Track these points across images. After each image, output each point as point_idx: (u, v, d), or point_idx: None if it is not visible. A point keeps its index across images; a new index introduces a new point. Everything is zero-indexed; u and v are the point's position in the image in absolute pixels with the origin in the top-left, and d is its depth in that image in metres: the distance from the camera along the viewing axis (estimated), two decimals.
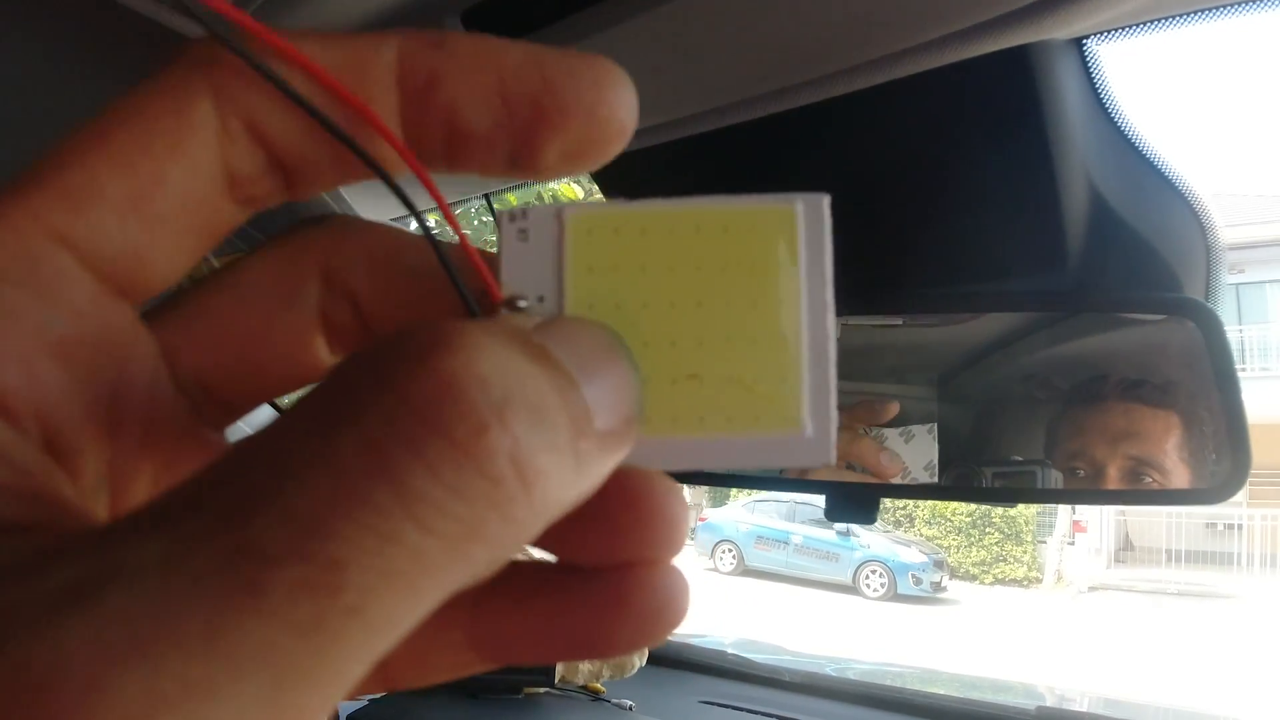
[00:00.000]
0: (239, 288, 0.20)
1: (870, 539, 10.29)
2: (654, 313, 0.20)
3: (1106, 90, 0.59)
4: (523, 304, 0.20)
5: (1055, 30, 0.47)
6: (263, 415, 0.85)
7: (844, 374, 0.80)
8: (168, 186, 0.17)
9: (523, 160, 0.19)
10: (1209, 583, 11.08)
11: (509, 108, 0.18)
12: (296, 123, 0.17)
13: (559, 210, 0.20)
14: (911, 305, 0.71)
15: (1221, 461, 0.61)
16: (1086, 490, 0.68)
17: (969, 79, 0.50)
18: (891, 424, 0.73)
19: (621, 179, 0.69)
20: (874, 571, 10.23)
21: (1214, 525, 12.13)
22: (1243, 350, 11.77)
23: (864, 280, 0.70)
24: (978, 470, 0.71)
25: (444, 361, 0.14)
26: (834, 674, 1.66)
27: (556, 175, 0.19)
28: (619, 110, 0.18)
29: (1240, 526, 11.84)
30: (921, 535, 12.36)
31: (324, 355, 0.21)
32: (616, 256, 0.20)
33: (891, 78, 0.50)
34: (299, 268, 0.20)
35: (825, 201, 0.20)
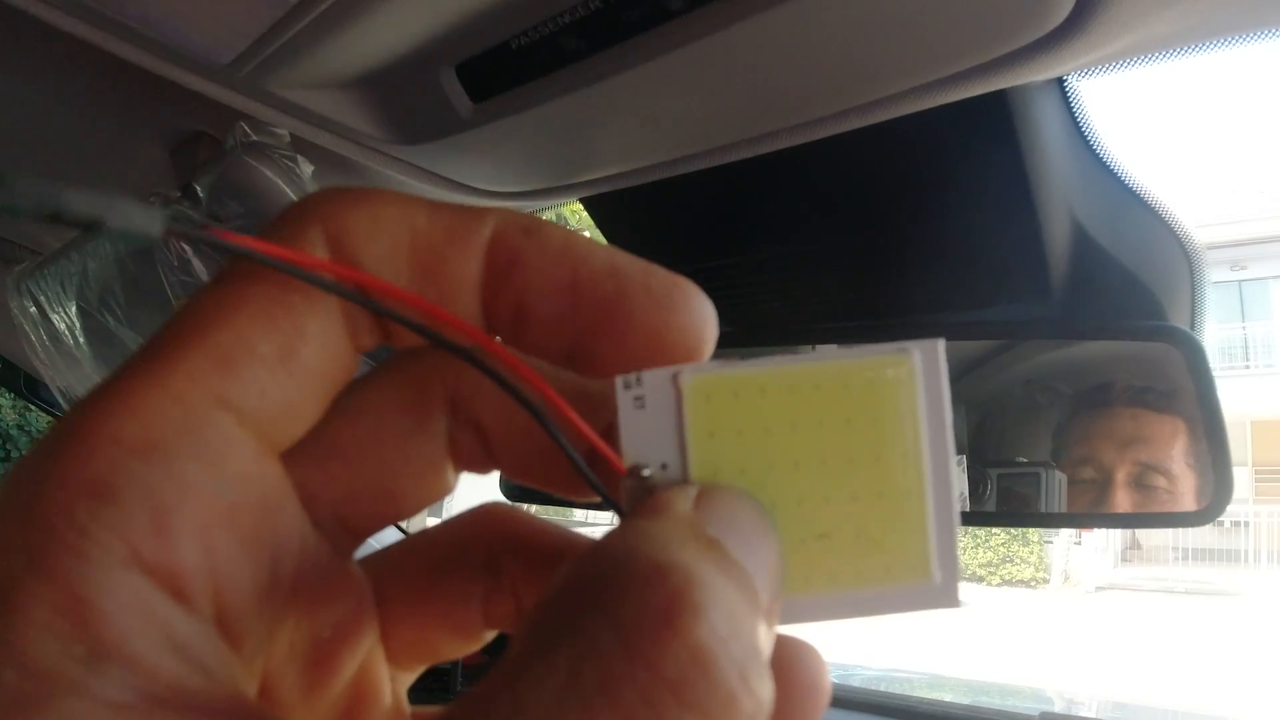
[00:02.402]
0: (369, 418, 0.20)
1: None
2: (779, 474, 0.20)
3: (1086, 121, 0.60)
4: (646, 473, 0.20)
5: (1041, 73, 0.48)
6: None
7: None
8: (308, 337, 0.17)
9: (579, 358, 0.19)
10: (1217, 580, 11.04)
11: (577, 306, 0.18)
12: (401, 282, 0.18)
13: (675, 374, 0.20)
14: (900, 333, 0.72)
15: (1207, 485, 0.62)
16: (1078, 514, 0.69)
17: (948, 115, 0.51)
18: None
19: (617, 215, 0.71)
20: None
21: (1221, 523, 12.06)
22: (1247, 347, 11.73)
23: (857, 309, 0.71)
24: (983, 472, 0.71)
25: (692, 627, 0.14)
26: (838, 681, 1.66)
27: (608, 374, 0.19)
28: (688, 335, 0.19)
29: (1248, 524, 11.79)
30: None
31: (450, 477, 0.21)
32: (738, 420, 0.20)
33: (875, 120, 0.51)
34: (427, 395, 0.20)
35: (940, 347, 0.20)
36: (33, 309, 0.98)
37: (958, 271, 0.65)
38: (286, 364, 0.17)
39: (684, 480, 0.19)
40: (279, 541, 0.18)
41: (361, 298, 0.18)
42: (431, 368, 0.20)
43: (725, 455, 0.20)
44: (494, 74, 0.50)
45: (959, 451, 0.74)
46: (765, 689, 0.15)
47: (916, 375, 0.20)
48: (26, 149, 0.79)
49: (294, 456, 0.18)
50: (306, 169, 0.67)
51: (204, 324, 0.17)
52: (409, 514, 0.21)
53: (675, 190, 0.63)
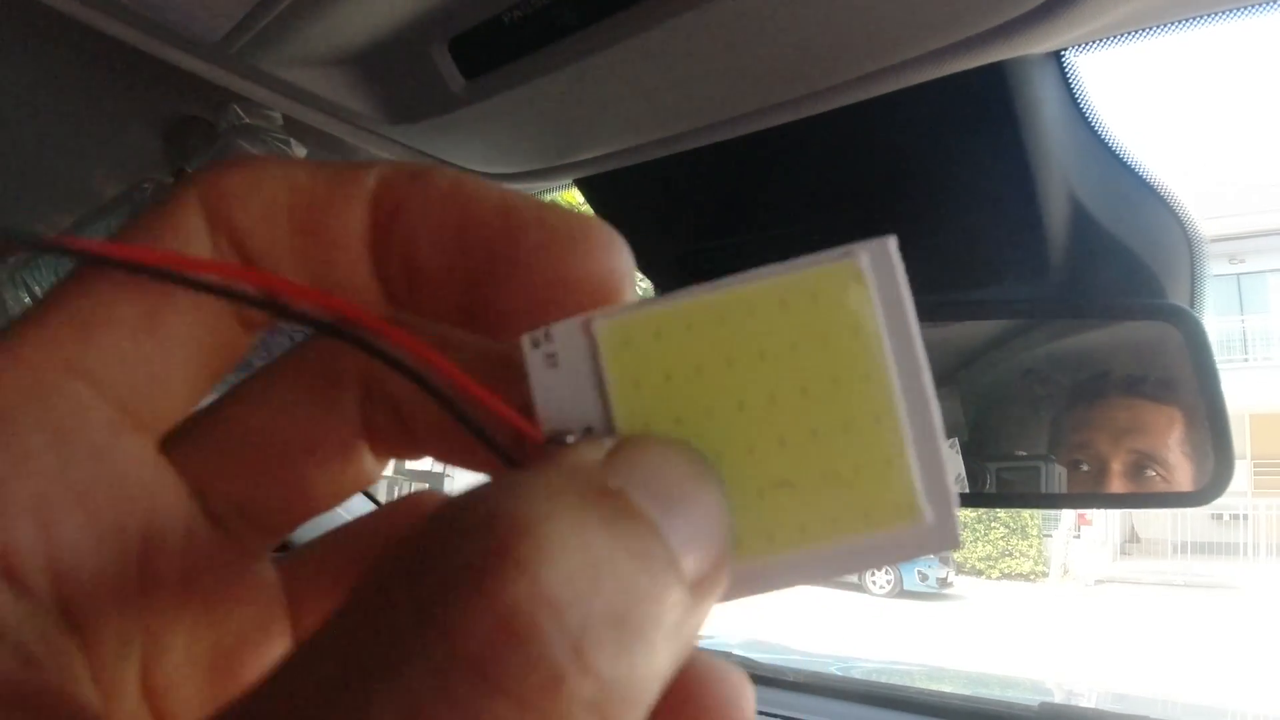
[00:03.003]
0: (271, 404, 0.18)
1: None
2: (721, 419, 0.17)
3: (1085, 100, 0.59)
4: (570, 439, 0.17)
5: (1033, 46, 0.48)
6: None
7: None
8: (177, 303, 0.16)
9: (479, 314, 0.17)
10: (1215, 573, 11.06)
11: (466, 252, 0.16)
12: (288, 251, 0.17)
13: (586, 322, 0.17)
14: None
15: (1207, 464, 0.62)
16: (1079, 494, 0.69)
17: (947, 93, 0.51)
18: None
19: (614, 195, 0.70)
20: (880, 568, 10.20)
21: (1220, 516, 12.09)
22: (1245, 340, 11.74)
23: None
24: (983, 466, 0.71)
25: (505, 587, 0.11)
26: (839, 673, 1.66)
27: (514, 335, 0.17)
28: (595, 277, 0.16)
29: (1246, 516, 11.81)
30: None
31: (369, 464, 0.19)
32: (665, 364, 0.17)
33: (872, 94, 0.51)
34: (335, 376, 0.18)
35: (891, 244, 0.17)
36: (27, 299, 0.98)
37: (957, 250, 0.65)
38: (151, 331, 0.16)
39: (629, 440, 0.17)
40: (152, 532, 0.16)
41: (227, 289, 0.16)
42: (340, 345, 0.18)
43: (656, 406, 0.17)
44: (486, 49, 0.50)
45: (953, 437, 0.73)
46: (620, 668, 0.12)
47: (867, 280, 0.17)
48: (21, 135, 0.79)
49: (186, 447, 0.17)
50: (299, 151, 0.67)
51: (66, 290, 0.15)
52: (324, 507, 0.19)
53: (670, 172, 0.63)
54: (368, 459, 0.19)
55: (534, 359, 0.17)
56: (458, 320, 0.17)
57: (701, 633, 0.16)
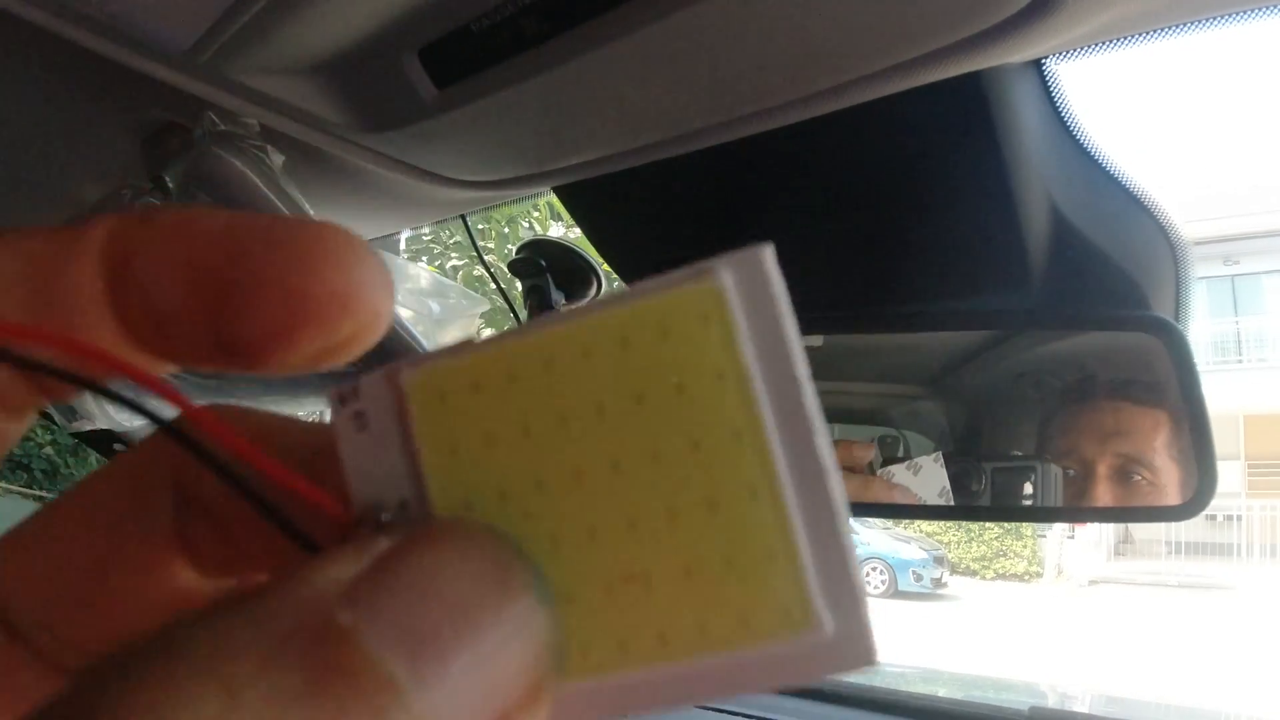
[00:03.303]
0: (79, 511, 0.17)
1: (870, 536, 10.30)
2: (555, 494, 0.14)
3: (1066, 108, 0.59)
4: (385, 517, 0.15)
5: (1012, 55, 0.47)
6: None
7: (832, 376, 0.80)
8: None
9: (228, 344, 0.15)
10: (1209, 574, 11.08)
11: (197, 285, 0.15)
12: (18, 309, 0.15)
13: (392, 373, 0.15)
14: (880, 324, 0.71)
15: (1190, 478, 0.62)
16: (1059, 508, 0.68)
17: (925, 101, 0.50)
18: (898, 456, 0.73)
19: (596, 203, 0.70)
20: (874, 568, 10.23)
21: (1214, 517, 12.12)
22: (1239, 341, 11.77)
23: (833, 299, 0.70)
24: (978, 466, 0.71)
25: None
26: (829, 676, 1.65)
27: (289, 365, 0.15)
28: (337, 286, 0.14)
29: (1240, 518, 11.84)
30: (921, 531, 12.36)
31: (188, 579, 0.17)
32: (485, 422, 0.14)
33: (848, 104, 0.50)
34: (148, 482, 0.17)
35: (765, 255, 0.13)
36: None
37: (936, 261, 0.64)
38: None
39: (404, 543, 0.13)
40: None
41: None
42: (155, 449, 0.17)
43: (475, 476, 0.14)
44: (456, 58, 0.49)
45: (943, 445, 0.73)
46: None
47: (730, 305, 0.13)
48: (1, 142, 0.78)
49: None
50: (277, 159, 0.66)
51: None
52: (139, 625, 0.17)
53: (652, 180, 0.62)
54: (186, 574, 0.17)
55: (342, 420, 0.15)
56: (216, 359, 0.15)
57: None
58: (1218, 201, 11.59)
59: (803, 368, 0.13)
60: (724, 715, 1.39)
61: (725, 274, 0.13)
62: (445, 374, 0.14)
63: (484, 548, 0.13)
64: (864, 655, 0.13)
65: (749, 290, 0.13)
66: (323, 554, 0.13)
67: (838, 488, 0.13)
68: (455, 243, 7.32)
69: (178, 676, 0.10)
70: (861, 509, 0.75)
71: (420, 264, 0.83)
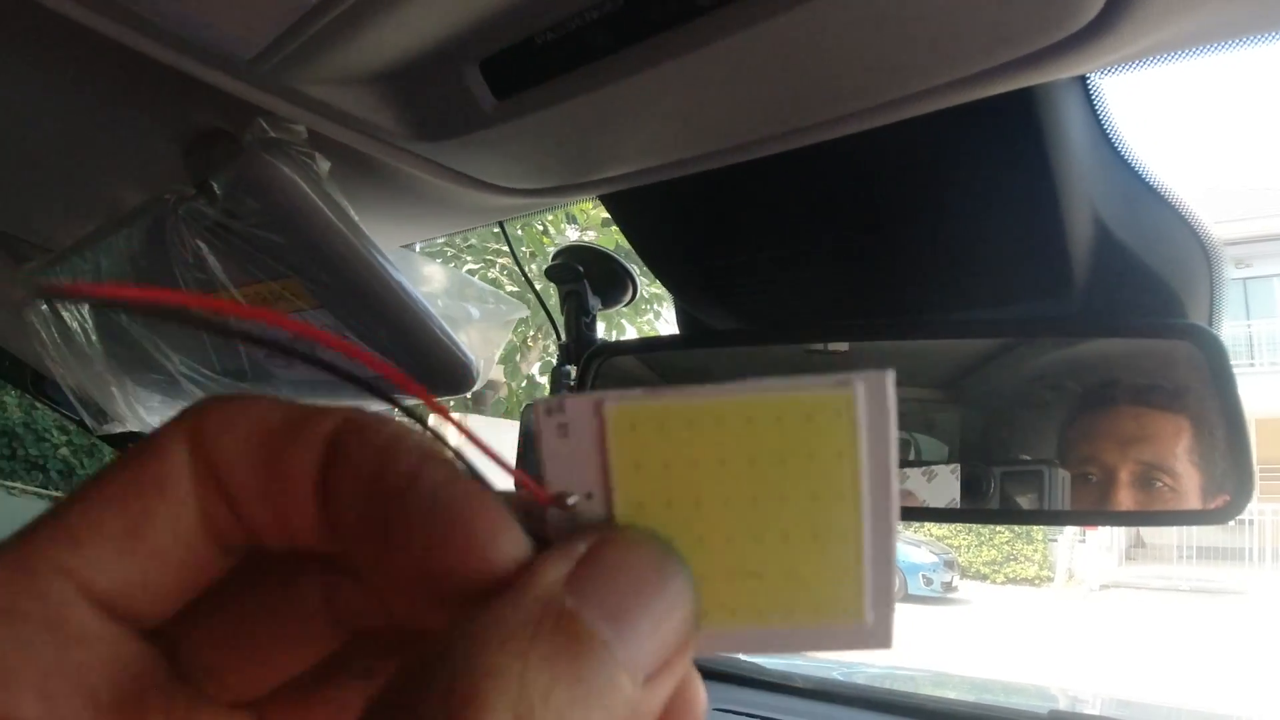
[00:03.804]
0: (250, 591, 0.21)
1: None
2: (708, 510, 0.19)
3: (1109, 120, 0.60)
4: (572, 500, 0.19)
5: (1060, 73, 0.48)
6: None
7: None
8: (156, 523, 0.19)
9: (377, 565, 0.19)
10: (1221, 579, 11.02)
11: (372, 511, 0.19)
12: (255, 483, 0.19)
13: (598, 403, 0.19)
14: (920, 331, 0.72)
15: (1227, 480, 0.62)
16: (1089, 511, 0.69)
17: (974, 114, 0.51)
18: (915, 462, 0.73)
19: (640, 211, 0.71)
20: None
21: None
22: (1251, 345, 11.71)
23: (874, 307, 0.71)
24: (986, 470, 0.71)
25: None
26: (843, 679, 1.66)
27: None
28: (472, 568, 0.18)
29: (1252, 522, 11.78)
30: (932, 535, 12.32)
31: (332, 633, 0.22)
32: (664, 452, 0.19)
33: (899, 118, 0.51)
34: (306, 572, 0.21)
35: (889, 379, 0.19)
36: (44, 306, 0.98)
37: (980, 269, 0.65)
38: (133, 544, 0.18)
39: (608, 514, 0.19)
40: (132, 702, 0.19)
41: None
42: (309, 569, 0.21)
43: (650, 488, 0.19)
44: (518, 70, 0.50)
45: (953, 456, 0.74)
46: None
47: (858, 411, 0.19)
48: (44, 145, 0.79)
49: (173, 624, 0.20)
50: (324, 165, 0.67)
51: (65, 506, 0.19)
52: (291, 673, 0.22)
53: (695, 186, 0.63)
54: (328, 629, 0.22)
55: (547, 425, 0.19)
56: (373, 563, 0.19)
57: None
58: (1229, 203, 11.54)
59: (894, 458, 0.19)
60: (735, 716, 1.39)
61: (860, 387, 0.19)
62: (639, 412, 0.19)
63: (650, 547, 0.19)
64: (885, 642, 0.19)
65: (872, 399, 0.19)
66: (543, 557, 0.18)
67: (895, 542, 0.19)
68: (469, 246, 7.33)
69: (490, 648, 0.15)
70: None
71: (451, 268, 0.83)
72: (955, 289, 0.68)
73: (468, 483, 0.18)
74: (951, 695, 1.53)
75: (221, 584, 0.20)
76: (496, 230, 0.86)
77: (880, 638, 0.19)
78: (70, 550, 0.18)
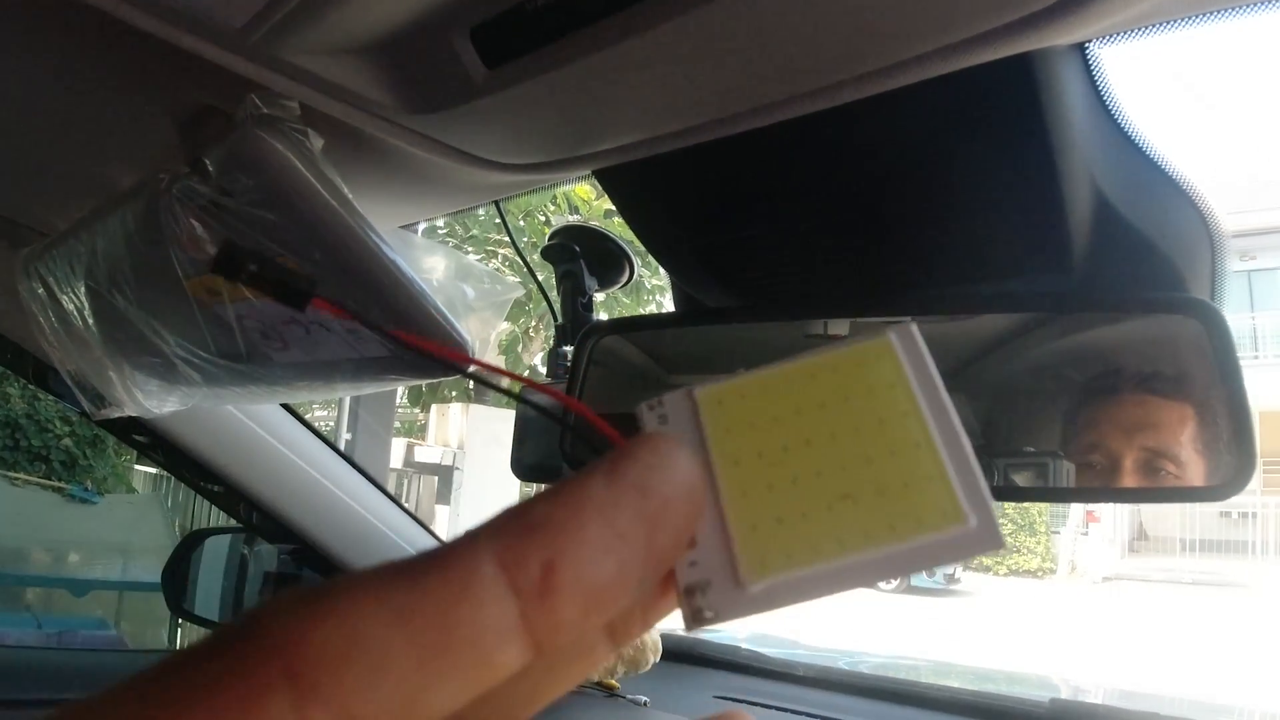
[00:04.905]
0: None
1: None
2: (794, 454, 0.22)
3: (1109, 91, 0.59)
4: None
5: (1058, 38, 0.47)
6: None
7: None
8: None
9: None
10: (1224, 571, 11.03)
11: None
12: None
13: (689, 391, 0.23)
14: (918, 306, 0.71)
15: (1230, 457, 0.61)
16: (1092, 489, 0.68)
17: (972, 83, 0.51)
18: None
19: (633, 187, 0.70)
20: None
21: (1228, 514, 12.06)
22: (1256, 337, 11.69)
23: (872, 282, 0.71)
24: (990, 462, 0.71)
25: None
26: (847, 667, 1.65)
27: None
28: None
29: (1255, 515, 11.78)
30: None
31: None
32: (748, 415, 0.22)
33: (896, 86, 0.50)
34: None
35: (913, 327, 0.23)
36: (41, 291, 0.97)
37: (979, 242, 0.64)
38: None
39: (710, 472, 0.22)
40: None
41: None
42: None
43: (742, 445, 0.22)
44: (509, 37, 0.50)
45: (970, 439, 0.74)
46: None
47: (895, 348, 0.22)
48: (36, 125, 0.79)
49: None
50: (317, 142, 0.67)
51: None
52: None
53: (690, 163, 0.63)
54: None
55: (649, 418, 0.23)
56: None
57: (711, 629, 0.19)
58: (1233, 195, 11.51)
59: (938, 379, 0.22)
60: (746, 705, 1.39)
61: (892, 333, 0.23)
62: (723, 390, 0.23)
63: (672, 441, 0.21)
64: (995, 540, 0.20)
65: (904, 341, 0.23)
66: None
67: (968, 444, 0.21)
68: (470, 236, 7.33)
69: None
70: None
71: (448, 247, 0.83)
72: (954, 263, 0.67)
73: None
74: (954, 684, 1.53)
75: None
76: (498, 221, 0.85)
77: (989, 538, 0.20)
78: None
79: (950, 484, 0.21)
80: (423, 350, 0.29)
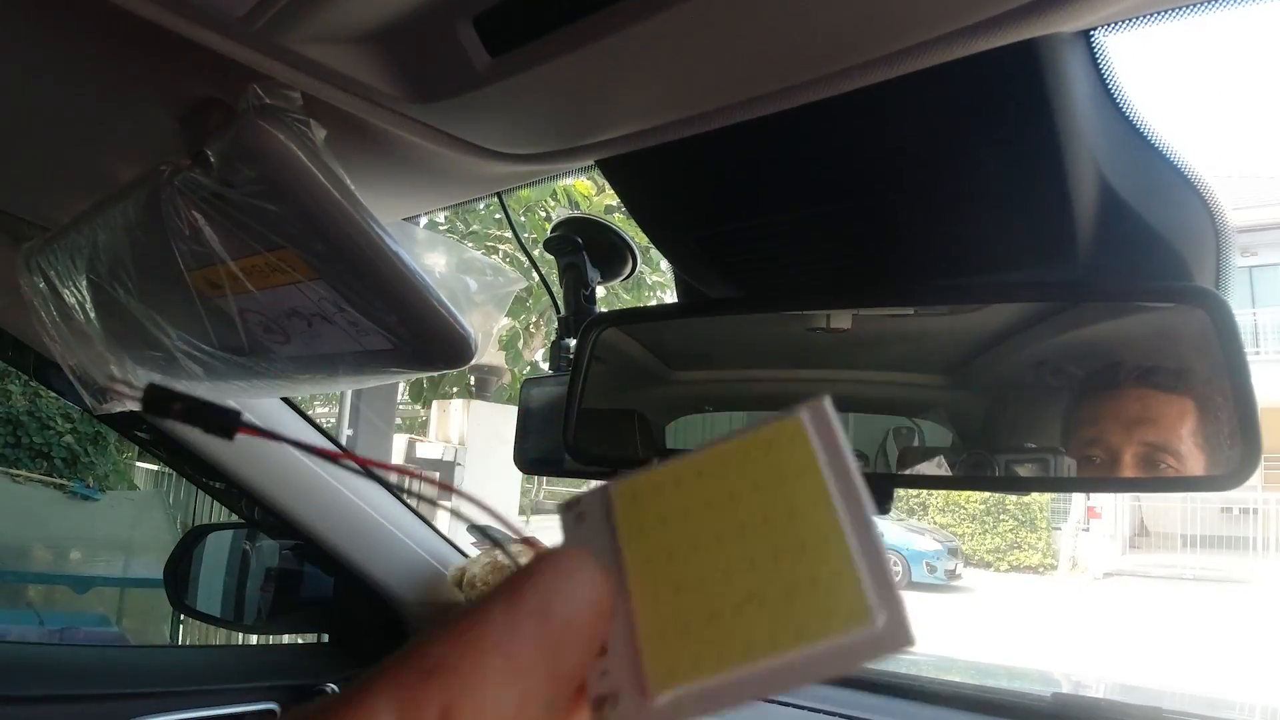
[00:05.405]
0: None
1: (884, 527, 10.18)
2: (704, 551, 0.22)
3: (1114, 81, 0.59)
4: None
5: (1062, 24, 0.47)
6: None
7: (849, 365, 0.80)
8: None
9: None
10: (1225, 567, 11.02)
11: None
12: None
13: (605, 487, 0.23)
14: (922, 297, 0.71)
15: (1234, 448, 0.61)
16: (1098, 478, 0.68)
17: (977, 72, 0.50)
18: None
19: (635, 177, 0.70)
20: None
21: (1229, 510, 12.06)
22: (1257, 333, 11.67)
23: (876, 272, 0.70)
24: (990, 457, 0.71)
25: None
26: None
27: None
28: None
29: (1256, 511, 11.77)
30: (935, 523, 12.34)
31: None
32: (661, 511, 0.22)
33: (901, 73, 0.50)
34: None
35: (826, 402, 0.22)
36: (42, 285, 0.97)
37: (984, 231, 0.64)
38: None
39: (620, 575, 0.22)
40: None
41: None
42: None
43: (654, 544, 0.22)
44: (513, 25, 0.49)
45: (956, 441, 0.74)
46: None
47: (807, 430, 0.22)
48: (38, 118, 0.78)
49: None
50: (319, 133, 0.66)
51: None
52: None
53: (692, 153, 0.62)
54: None
55: (567, 519, 0.24)
56: None
57: None
58: (1236, 190, 11.49)
59: (853, 463, 0.21)
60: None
61: (804, 413, 0.22)
62: (638, 483, 0.23)
63: (581, 559, 0.22)
64: (904, 639, 0.20)
65: (816, 420, 0.22)
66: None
67: (879, 536, 0.21)
68: (472, 232, 7.32)
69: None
70: (895, 480, 0.75)
71: (451, 239, 0.83)
72: (958, 254, 0.67)
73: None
74: (955, 679, 1.53)
75: None
76: (500, 216, 0.85)
77: (899, 637, 0.20)
78: None
79: (859, 580, 0.20)
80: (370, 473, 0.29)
